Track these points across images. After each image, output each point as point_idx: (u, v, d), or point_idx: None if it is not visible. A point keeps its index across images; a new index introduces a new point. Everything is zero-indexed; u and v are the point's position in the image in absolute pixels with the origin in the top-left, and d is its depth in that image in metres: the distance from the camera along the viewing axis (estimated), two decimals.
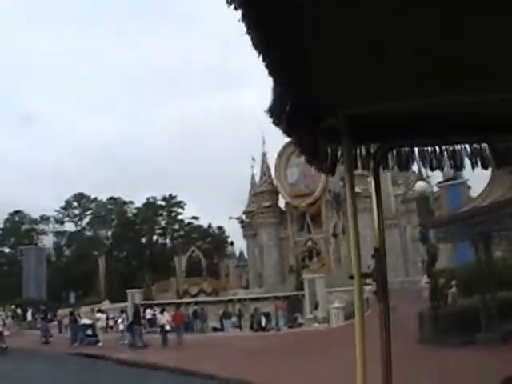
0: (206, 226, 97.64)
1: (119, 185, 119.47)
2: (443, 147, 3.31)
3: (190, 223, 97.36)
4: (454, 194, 37.56)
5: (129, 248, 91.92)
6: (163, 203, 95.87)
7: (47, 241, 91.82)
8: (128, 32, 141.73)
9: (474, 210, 14.17)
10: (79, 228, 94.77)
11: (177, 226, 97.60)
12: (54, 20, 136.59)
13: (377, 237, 3.07)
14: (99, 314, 31.83)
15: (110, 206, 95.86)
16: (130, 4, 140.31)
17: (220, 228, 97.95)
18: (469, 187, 41.32)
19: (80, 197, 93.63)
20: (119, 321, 33.27)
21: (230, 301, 43.93)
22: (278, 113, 2.54)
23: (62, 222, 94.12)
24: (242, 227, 75.36)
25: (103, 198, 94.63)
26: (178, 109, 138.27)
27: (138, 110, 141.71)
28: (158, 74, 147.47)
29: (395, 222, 63.63)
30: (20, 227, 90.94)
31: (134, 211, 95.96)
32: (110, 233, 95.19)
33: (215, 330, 38.33)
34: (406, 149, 3.35)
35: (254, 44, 1.98)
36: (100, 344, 29.25)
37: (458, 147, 3.30)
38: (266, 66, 2.14)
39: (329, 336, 26.70)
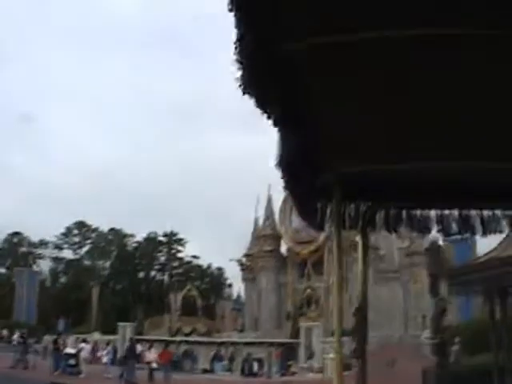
0: (205, 265, 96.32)
1: (121, 216, 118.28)
2: (431, 212, 3.41)
3: (189, 262, 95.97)
4: (461, 248, 36.53)
5: (126, 281, 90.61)
6: (164, 239, 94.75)
7: (44, 265, 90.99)
8: (144, 64, 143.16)
9: (493, 261, 13.20)
10: (77, 256, 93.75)
11: (176, 264, 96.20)
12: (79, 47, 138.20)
13: (359, 296, 3.16)
14: (83, 344, 30.46)
15: (110, 237, 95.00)
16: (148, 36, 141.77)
17: (220, 269, 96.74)
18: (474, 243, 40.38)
19: (81, 225, 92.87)
20: (104, 353, 31.99)
21: (223, 343, 42.74)
22: (281, 168, 2.66)
23: (60, 249, 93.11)
24: (242, 270, 74.26)
25: (104, 228, 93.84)
26: (186, 146, 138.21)
27: (148, 143, 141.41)
28: (168, 108, 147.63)
29: (397, 276, 62.89)
30: (18, 249, 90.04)
31: (135, 245, 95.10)
32: (108, 264, 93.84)
33: (205, 371, 37.26)
34: (395, 211, 3.45)
35: (262, 111, 2.21)
36: (82, 375, 27.93)
37: (446, 212, 3.40)
38: (274, 124, 2.34)
39: None
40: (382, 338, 48.89)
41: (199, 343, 42.91)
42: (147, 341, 36.46)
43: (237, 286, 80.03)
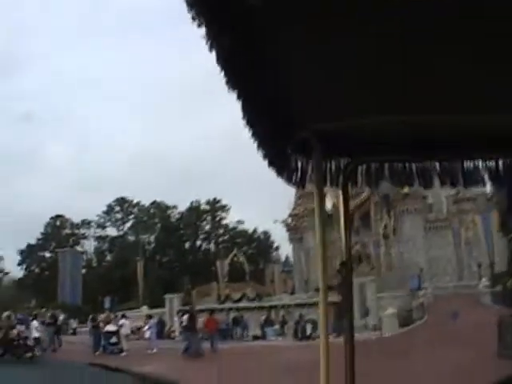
0: (251, 230, 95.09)
1: (162, 189, 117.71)
2: (413, 164, 3.29)
3: (234, 228, 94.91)
4: None
5: (171, 253, 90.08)
6: (207, 207, 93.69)
7: (88, 245, 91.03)
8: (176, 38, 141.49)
9: None
10: (121, 233, 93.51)
11: (221, 231, 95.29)
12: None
13: (344, 250, 3.15)
14: (123, 320, 28.93)
15: (152, 211, 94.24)
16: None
17: (266, 233, 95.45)
18: None
19: (122, 201, 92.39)
20: (145, 327, 30.45)
21: (274, 307, 41.08)
22: (251, 124, 2.43)
23: (103, 227, 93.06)
24: (288, 231, 73.11)
25: (146, 202, 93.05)
26: (223, 112, 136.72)
27: (182, 114, 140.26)
28: (203, 77, 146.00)
29: (447, 224, 61.22)
30: (61, 232, 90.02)
31: (178, 216, 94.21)
32: (152, 238, 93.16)
33: (256, 338, 35.71)
34: (376, 165, 3.34)
35: (218, 60, 1.91)
36: (124, 353, 26.45)
37: (427, 165, 3.28)
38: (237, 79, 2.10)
39: (383, 347, 23.27)
40: (436, 288, 46.80)
41: (248, 309, 41.31)
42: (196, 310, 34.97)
43: (285, 247, 78.64)
